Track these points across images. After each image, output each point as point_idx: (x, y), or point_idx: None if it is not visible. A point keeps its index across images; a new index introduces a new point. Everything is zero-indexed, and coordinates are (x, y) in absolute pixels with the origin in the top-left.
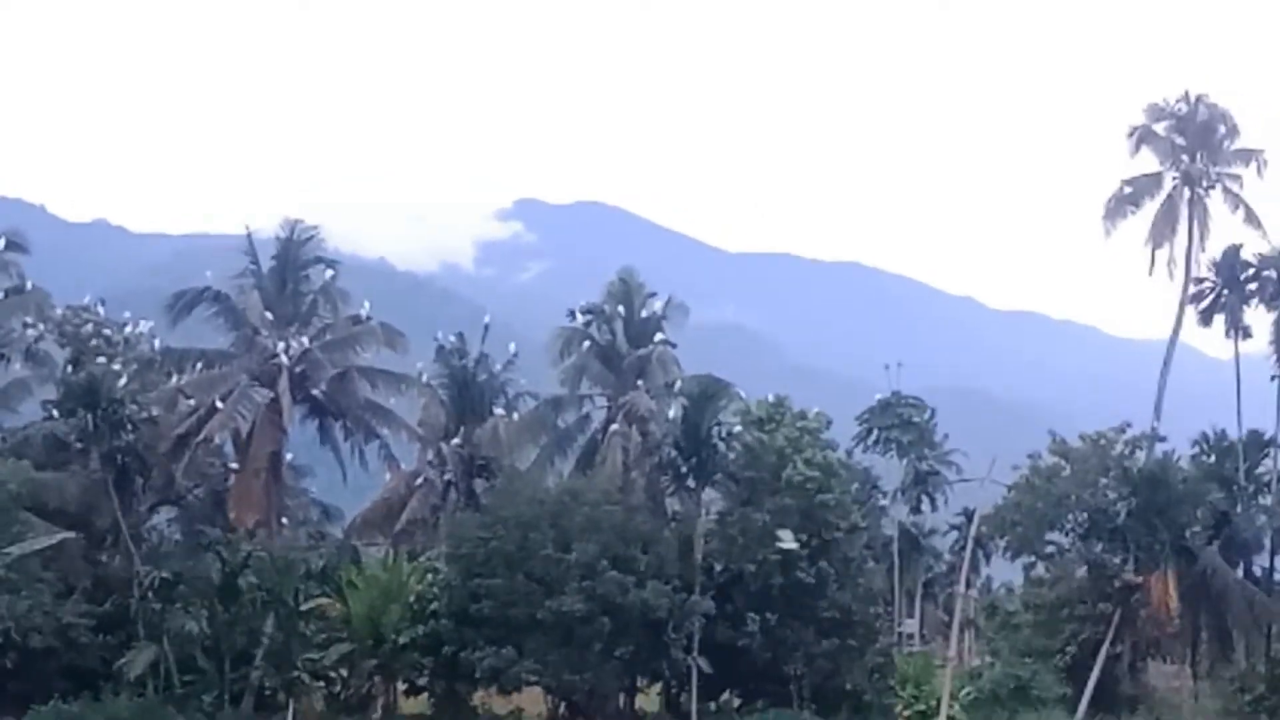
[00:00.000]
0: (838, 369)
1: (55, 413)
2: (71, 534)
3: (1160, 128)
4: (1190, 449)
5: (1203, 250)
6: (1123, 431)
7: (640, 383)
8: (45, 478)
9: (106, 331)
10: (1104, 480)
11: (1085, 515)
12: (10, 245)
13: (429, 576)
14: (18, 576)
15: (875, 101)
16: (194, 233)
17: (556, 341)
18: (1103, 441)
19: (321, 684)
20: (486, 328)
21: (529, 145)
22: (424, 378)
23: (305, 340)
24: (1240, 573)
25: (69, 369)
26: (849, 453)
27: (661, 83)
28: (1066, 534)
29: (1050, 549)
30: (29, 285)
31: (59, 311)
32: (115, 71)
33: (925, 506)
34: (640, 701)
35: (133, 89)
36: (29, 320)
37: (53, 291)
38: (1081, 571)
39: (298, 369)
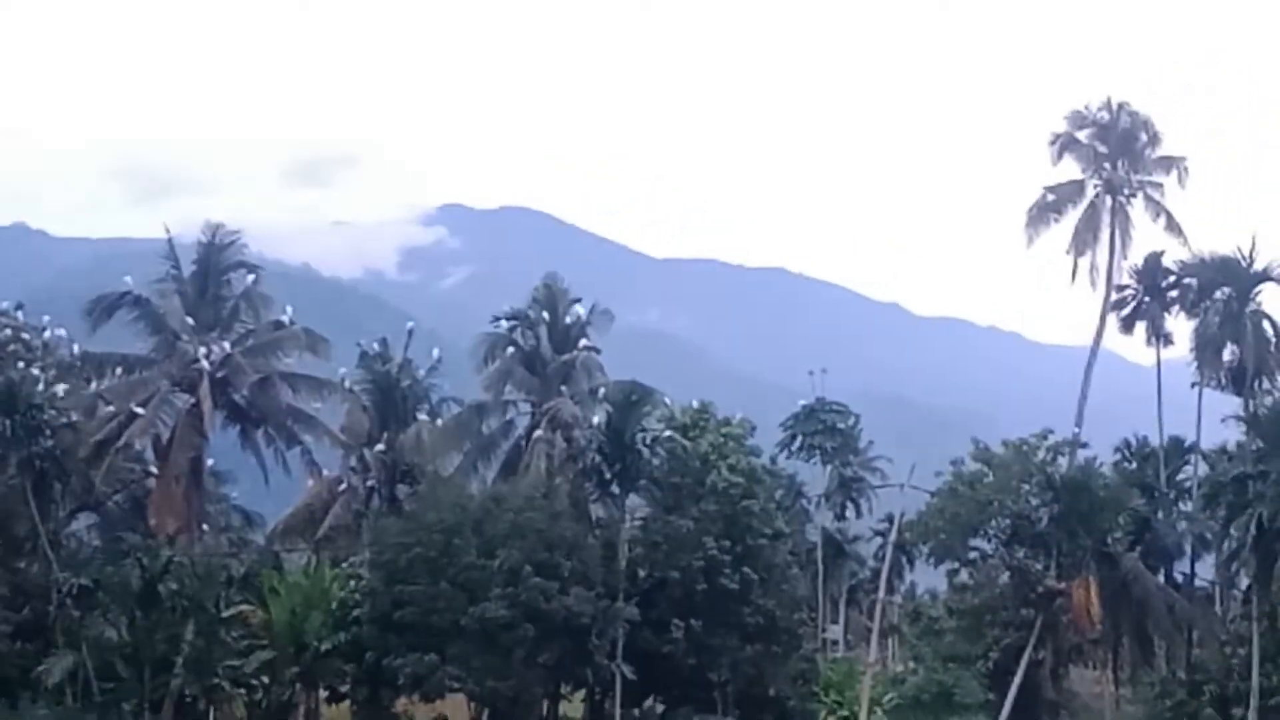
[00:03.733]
0: (762, 375)
1: None
2: None
3: (1083, 135)
4: (1112, 456)
5: (1124, 258)
6: (1045, 438)
7: (564, 389)
8: None
9: (25, 336)
10: (1026, 487)
11: (1008, 521)
12: None
13: (351, 583)
14: None
15: (799, 108)
16: (114, 236)
17: (480, 347)
18: (1025, 448)
19: (243, 691)
20: (410, 333)
21: (453, 150)
22: (347, 383)
23: (227, 345)
24: (1161, 578)
25: None
26: (773, 459)
27: (587, 88)
28: (989, 540)
29: (973, 555)
30: None
31: None
32: (34, 72)
33: (850, 513)
34: (564, 708)
35: (53, 90)
36: None
37: None
38: (1004, 577)
39: (219, 374)
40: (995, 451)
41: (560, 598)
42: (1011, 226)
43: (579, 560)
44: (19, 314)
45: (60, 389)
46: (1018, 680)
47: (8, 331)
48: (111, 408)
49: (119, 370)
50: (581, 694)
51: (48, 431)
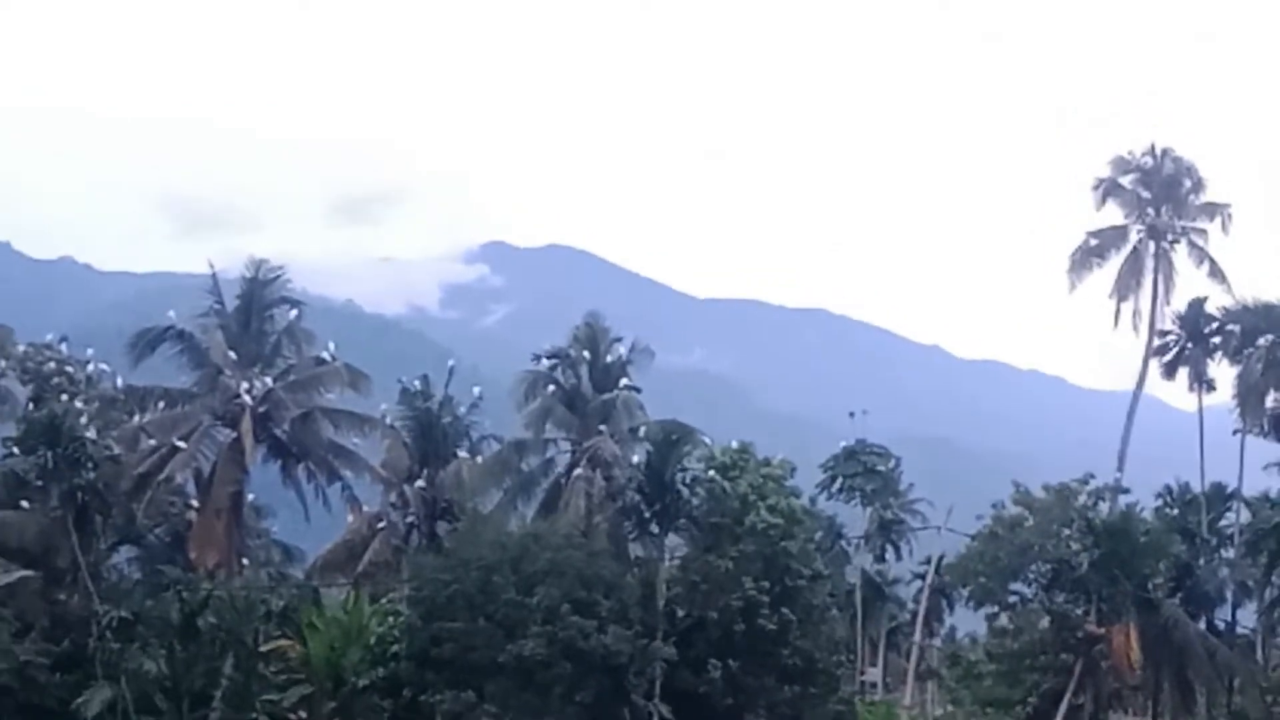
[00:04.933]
0: (803, 415)
1: (16, 450)
2: (30, 572)
3: (1126, 180)
4: (1153, 501)
5: (1167, 303)
6: (1086, 482)
7: (604, 427)
8: (4, 515)
9: (69, 369)
10: (1067, 531)
11: (1048, 566)
12: None
13: (390, 619)
14: None
15: (843, 150)
16: (159, 270)
17: (521, 385)
18: (1066, 492)
19: None
20: (451, 370)
21: (497, 188)
22: (388, 419)
23: (269, 380)
24: (1202, 625)
25: (30, 406)
26: (813, 500)
27: (632, 127)
28: (1029, 584)
29: (1013, 599)
30: None
31: (21, 348)
32: (82, 109)
33: (889, 555)
34: None
35: (100, 123)
36: None
37: (16, 328)
38: (1044, 622)
39: (260, 409)
40: (1036, 495)
41: (598, 636)
42: (1054, 269)
43: (617, 599)
44: (63, 347)
45: (103, 422)
46: None
47: (52, 364)
48: (153, 441)
49: (161, 404)
50: None
51: (90, 464)
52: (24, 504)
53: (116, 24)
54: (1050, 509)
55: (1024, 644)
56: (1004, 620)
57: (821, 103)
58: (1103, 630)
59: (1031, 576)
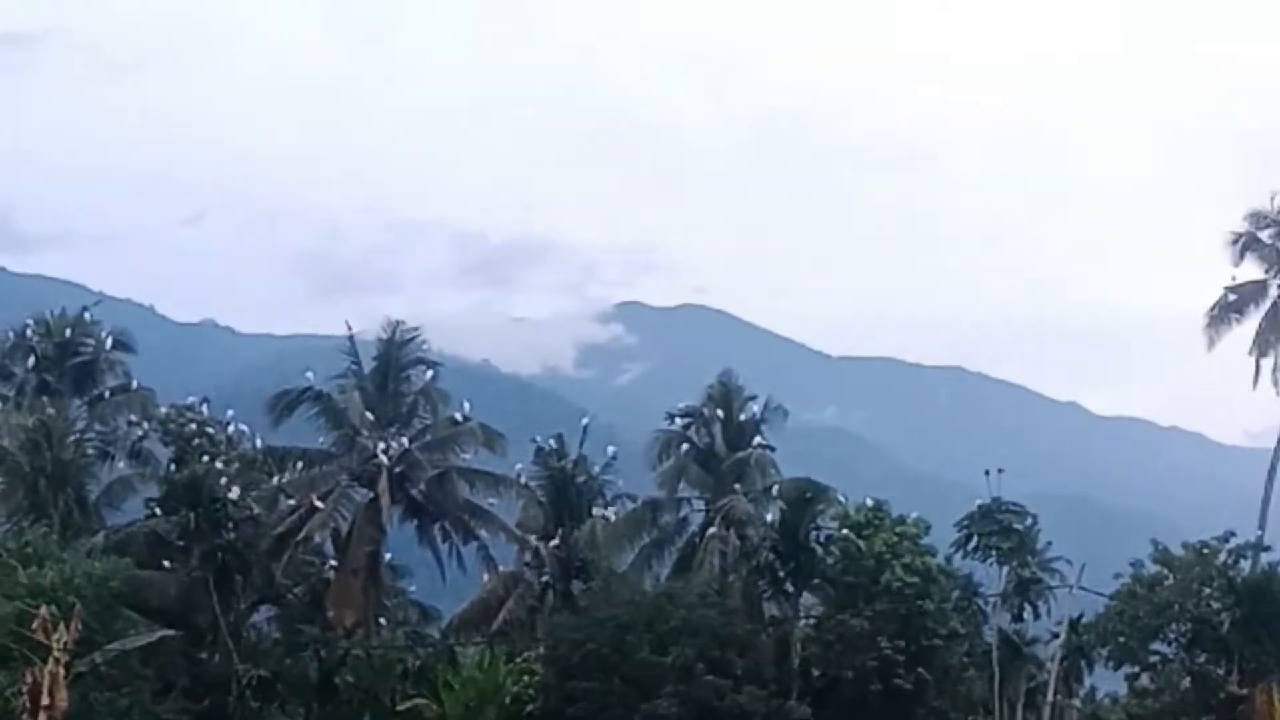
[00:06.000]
0: (938, 474)
1: (158, 510)
2: (171, 631)
3: (1264, 235)
4: None
5: None
6: (1227, 540)
7: (738, 486)
8: (147, 575)
9: (210, 430)
10: (1207, 590)
11: (1188, 625)
12: (118, 344)
13: (525, 678)
14: (118, 673)
15: (977, 207)
16: (298, 333)
17: (655, 444)
18: (1206, 550)
19: None
20: (585, 429)
21: (630, 248)
22: (522, 479)
23: (405, 441)
24: None
25: (172, 467)
26: (948, 559)
27: (766, 188)
28: (1170, 644)
29: (1153, 659)
30: (135, 384)
31: (164, 410)
32: (217, 172)
33: (1027, 614)
34: None
35: (237, 187)
36: (134, 419)
37: (159, 390)
38: (1185, 682)
39: (397, 469)
40: (1176, 553)
41: (733, 696)
42: (1192, 325)
43: (752, 658)
44: (205, 408)
45: (243, 483)
46: None
47: (193, 426)
48: (292, 501)
49: (300, 464)
50: None
51: (230, 524)
52: (166, 564)
53: (257, 96)
54: (1190, 567)
55: (1165, 704)
56: (1144, 680)
57: (951, 156)
58: (1245, 690)
59: (1172, 636)
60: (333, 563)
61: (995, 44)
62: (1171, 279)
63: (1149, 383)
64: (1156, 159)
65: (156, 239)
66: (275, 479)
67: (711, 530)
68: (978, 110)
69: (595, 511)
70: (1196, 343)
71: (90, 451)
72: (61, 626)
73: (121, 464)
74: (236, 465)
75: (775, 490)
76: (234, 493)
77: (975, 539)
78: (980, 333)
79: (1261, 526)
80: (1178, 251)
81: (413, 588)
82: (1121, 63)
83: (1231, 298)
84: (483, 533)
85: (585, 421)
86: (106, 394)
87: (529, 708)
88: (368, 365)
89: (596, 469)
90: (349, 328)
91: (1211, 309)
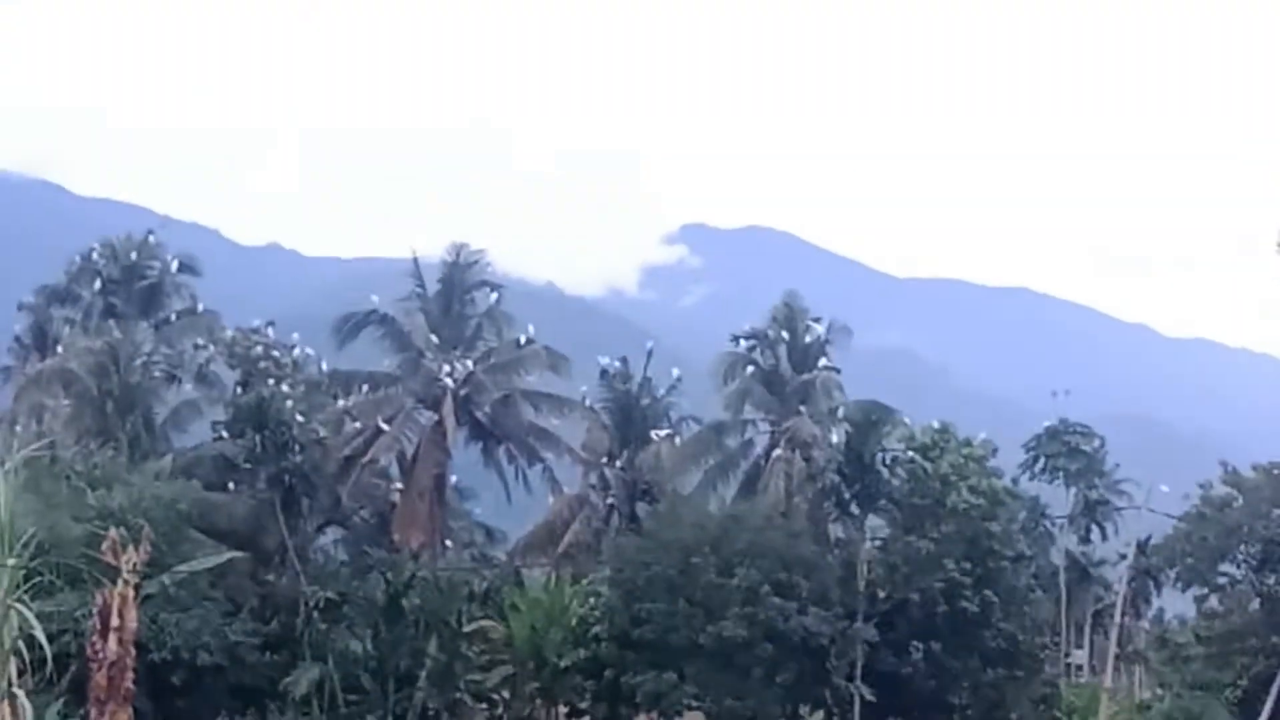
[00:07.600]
0: (1005, 396)
1: (225, 433)
2: (239, 553)
3: None
4: None
5: None
6: None
7: (803, 408)
8: (214, 498)
9: (275, 354)
10: (1277, 511)
11: (1258, 546)
12: (183, 268)
13: (591, 600)
14: (187, 595)
15: (1046, 130)
16: (363, 256)
17: (720, 366)
18: (1276, 472)
19: (484, 706)
20: (650, 352)
21: (696, 170)
22: (587, 401)
23: (470, 363)
24: None
25: (238, 390)
26: (1015, 480)
27: (832, 110)
28: (1239, 565)
29: (1222, 580)
30: (200, 307)
31: (229, 334)
32: (290, 102)
33: (1095, 536)
34: None
35: (311, 119)
36: (200, 342)
37: (225, 314)
38: (1255, 604)
39: (462, 392)
40: (1245, 475)
41: (799, 618)
42: (1264, 245)
43: (817, 581)
44: (270, 332)
45: (308, 406)
46: (1268, 709)
47: (259, 349)
48: (358, 424)
49: (365, 387)
50: (820, 715)
51: (297, 447)
52: (232, 486)
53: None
54: (1260, 489)
55: (1234, 626)
56: (1213, 602)
57: (1020, 80)
58: None
59: (1241, 558)
60: (398, 485)
61: None
62: (1241, 204)
63: (1218, 304)
64: (1240, 77)
65: (221, 163)
66: (341, 402)
67: (777, 453)
68: None
69: (660, 434)
70: (1267, 264)
71: (157, 374)
72: (130, 548)
73: (188, 387)
74: (302, 388)
75: (840, 412)
76: (299, 416)
77: (1042, 460)
78: (1047, 254)
79: None
80: (1250, 168)
81: (478, 510)
82: None
83: None
84: (548, 455)
85: (650, 344)
86: (173, 317)
87: (595, 630)
88: (432, 288)
89: (661, 391)
90: (413, 251)
91: None
